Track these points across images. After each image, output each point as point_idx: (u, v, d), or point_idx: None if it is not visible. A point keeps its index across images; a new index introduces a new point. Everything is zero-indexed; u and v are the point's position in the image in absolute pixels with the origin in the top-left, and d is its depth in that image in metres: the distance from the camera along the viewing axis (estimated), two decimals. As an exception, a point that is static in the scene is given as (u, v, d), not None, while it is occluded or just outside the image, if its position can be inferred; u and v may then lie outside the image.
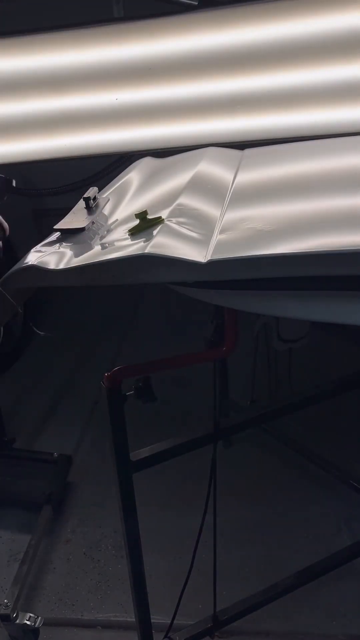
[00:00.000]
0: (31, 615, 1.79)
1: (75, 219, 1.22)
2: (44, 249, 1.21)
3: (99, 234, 1.19)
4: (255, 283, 1.03)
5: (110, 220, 1.25)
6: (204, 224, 1.11)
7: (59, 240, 1.21)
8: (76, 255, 1.13)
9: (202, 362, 1.55)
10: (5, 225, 1.09)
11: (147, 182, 1.40)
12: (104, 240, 1.16)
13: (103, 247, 1.13)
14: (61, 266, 1.11)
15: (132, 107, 1.58)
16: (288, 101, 1.51)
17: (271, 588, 1.80)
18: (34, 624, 1.77)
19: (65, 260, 1.12)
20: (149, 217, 1.13)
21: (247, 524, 2.17)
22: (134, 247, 1.07)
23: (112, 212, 1.30)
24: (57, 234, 1.24)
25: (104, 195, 1.37)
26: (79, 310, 3.69)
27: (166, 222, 1.12)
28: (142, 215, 1.13)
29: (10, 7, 2.00)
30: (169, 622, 1.66)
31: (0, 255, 1.04)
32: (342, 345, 2.99)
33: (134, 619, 1.62)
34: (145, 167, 1.49)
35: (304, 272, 0.98)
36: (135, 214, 1.14)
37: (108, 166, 2.16)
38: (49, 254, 1.16)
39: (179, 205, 1.18)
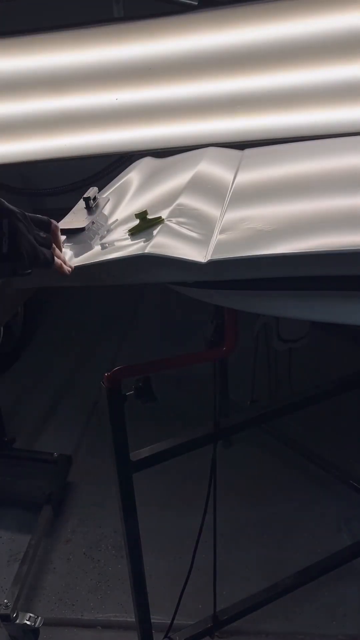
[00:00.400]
0: (31, 615, 1.78)
1: (75, 219, 1.22)
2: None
3: (99, 234, 1.19)
4: (255, 283, 1.03)
5: (110, 220, 1.25)
6: (204, 224, 1.11)
7: (58, 240, 1.21)
8: (76, 255, 1.13)
9: (202, 362, 1.54)
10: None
11: (147, 182, 1.40)
12: (104, 240, 1.16)
13: (103, 247, 1.14)
14: (61, 266, 1.11)
15: (132, 107, 1.58)
16: (288, 101, 1.51)
17: (271, 588, 1.80)
18: (34, 624, 1.77)
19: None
20: (149, 217, 1.13)
21: (247, 524, 2.16)
22: (134, 247, 1.07)
23: (112, 212, 1.30)
24: (57, 234, 1.24)
25: (104, 195, 1.36)
26: (79, 310, 3.69)
27: (166, 222, 1.12)
28: (142, 215, 1.13)
29: (10, 7, 1.99)
30: (169, 622, 1.66)
31: None
32: (342, 345, 2.99)
33: (134, 619, 1.62)
34: (145, 167, 1.48)
35: (304, 272, 0.98)
36: (135, 214, 1.14)
37: (108, 166, 2.17)
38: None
39: (179, 205, 1.18)
